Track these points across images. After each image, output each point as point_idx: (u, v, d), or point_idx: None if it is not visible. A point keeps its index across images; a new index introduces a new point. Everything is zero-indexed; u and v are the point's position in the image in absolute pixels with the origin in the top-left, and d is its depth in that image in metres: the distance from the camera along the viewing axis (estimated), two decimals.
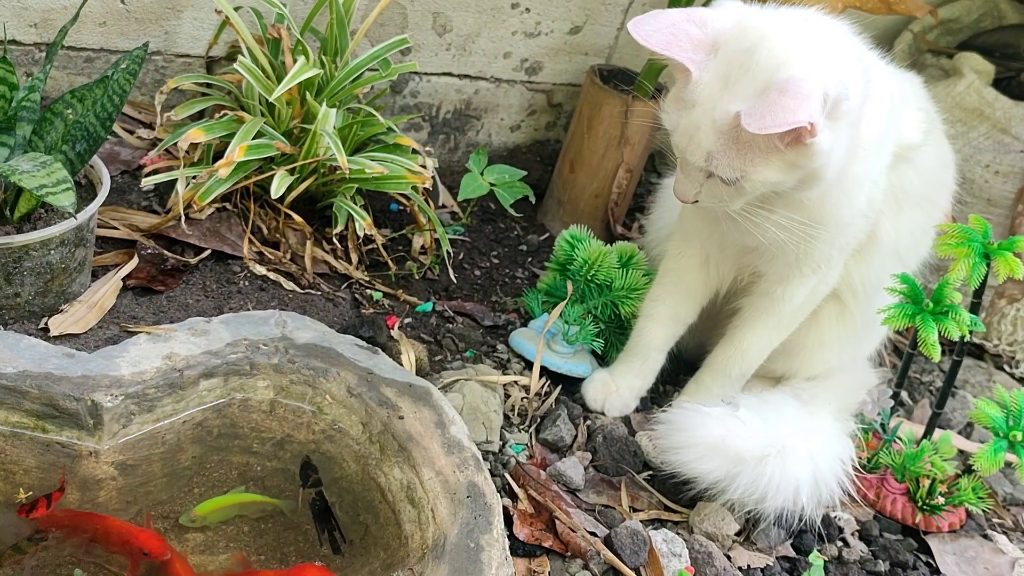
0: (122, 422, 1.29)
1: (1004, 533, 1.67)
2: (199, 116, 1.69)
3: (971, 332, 1.47)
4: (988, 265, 1.45)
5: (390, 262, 1.77)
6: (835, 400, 1.65)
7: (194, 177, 1.56)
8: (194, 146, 1.63)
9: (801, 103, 1.14)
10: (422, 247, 1.84)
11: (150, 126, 1.79)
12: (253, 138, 1.56)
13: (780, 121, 1.14)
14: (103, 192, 1.42)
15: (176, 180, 1.56)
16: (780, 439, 1.43)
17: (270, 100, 1.58)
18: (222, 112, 1.62)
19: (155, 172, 1.58)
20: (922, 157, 1.53)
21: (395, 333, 1.61)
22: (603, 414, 1.63)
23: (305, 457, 1.35)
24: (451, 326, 1.73)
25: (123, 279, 1.50)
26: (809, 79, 1.17)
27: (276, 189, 1.54)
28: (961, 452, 1.73)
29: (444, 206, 2.04)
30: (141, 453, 1.30)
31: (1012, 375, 2.10)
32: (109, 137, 1.76)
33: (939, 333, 1.44)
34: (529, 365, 1.66)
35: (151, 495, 1.26)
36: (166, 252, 1.57)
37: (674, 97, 1.30)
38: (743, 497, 1.42)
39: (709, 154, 1.25)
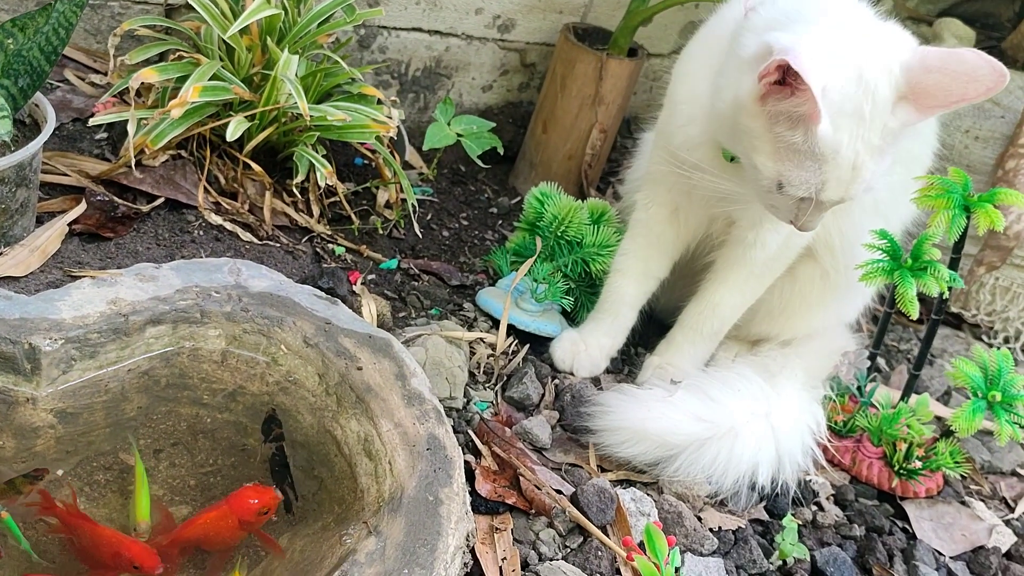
0: (62, 368, 1.22)
1: (982, 500, 1.63)
2: (156, 63, 1.61)
3: (950, 289, 1.43)
4: (968, 218, 1.40)
5: (353, 216, 1.70)
6: (806, 368, 1.61)
7: (146, 120, 1.49)
8: (148, 90, 1.56)
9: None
10: (387, 202, 1.77)
11: (104, 74, 1.72)
12: (210, 80, 1.49)
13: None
14: (47, 129, 1.34)
15: (127, 124, 1.49)
16: (729, 421, 1.40)
17: (226, 40, 1.51)
18: (178, 55, 1.55)
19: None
20: None
21: (357, 287, 1.55)
22: (572, 374, 1.58)
23: (270, 411, 1.28)
24: (416, 284, 1.67)
25: (70, 224, 1.43)
26: None
27: (232, 132, 1.46)
28: (939, 419, 1.69)
29: (413, 167, 1.97)
30: (82, 401, 1.23)
31: (990, 345, 2.07)
32: (61, 84, 1.69)
33: (917, 293, 1.40)
34: (496, 324, 1.60)
35: (92, 445, 1.19)
36: (117, 199, 1.50)
37: (786, 157, 1.22)
38: (684, 478, 1.39)
39: (866, 180, 1.23)
